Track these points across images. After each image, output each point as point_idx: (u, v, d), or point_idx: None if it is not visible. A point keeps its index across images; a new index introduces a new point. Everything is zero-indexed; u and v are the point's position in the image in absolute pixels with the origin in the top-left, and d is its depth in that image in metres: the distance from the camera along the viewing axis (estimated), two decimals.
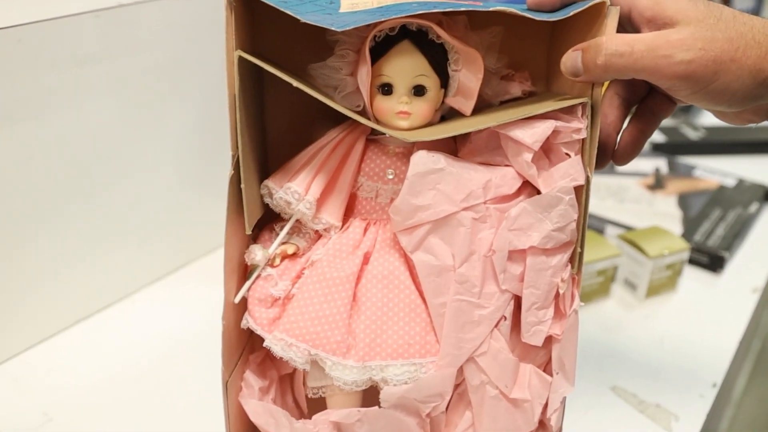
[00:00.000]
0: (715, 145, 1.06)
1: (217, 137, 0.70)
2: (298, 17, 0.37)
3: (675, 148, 1.05)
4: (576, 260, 0.40)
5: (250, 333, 0.47)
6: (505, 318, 0.40)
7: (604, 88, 0.40)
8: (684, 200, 0.89)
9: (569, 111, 0.39)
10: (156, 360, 0.60)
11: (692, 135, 1.08)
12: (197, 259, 0.74)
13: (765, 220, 0.88)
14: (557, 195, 0.38)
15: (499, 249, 0.39)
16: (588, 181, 0.39)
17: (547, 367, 0.42)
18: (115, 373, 0.59)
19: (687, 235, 0.80)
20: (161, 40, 0.62)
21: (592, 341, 0.66)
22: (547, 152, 0.40)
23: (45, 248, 0.59)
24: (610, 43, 0.37)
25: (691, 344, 0.66)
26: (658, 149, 1.04)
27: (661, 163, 0.98)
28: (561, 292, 0.40)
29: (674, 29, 0.36)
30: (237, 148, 0.39)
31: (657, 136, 1.07)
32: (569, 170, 0.38)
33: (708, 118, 1.20)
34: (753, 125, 0.42)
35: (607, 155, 0.43)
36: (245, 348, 0.46)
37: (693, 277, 0.77)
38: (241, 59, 0.38)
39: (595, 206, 0.86)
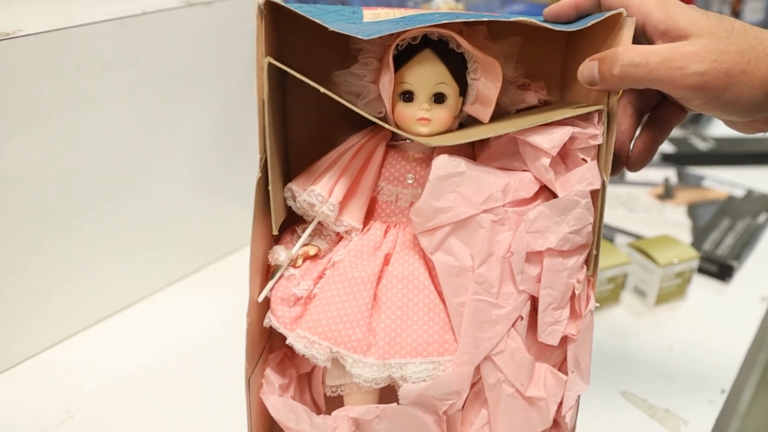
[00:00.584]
0: (724, 155, 1.07)
1: (232, 143, 0.73)
2: (326, 25, 0.39)
3: (684, 158, 1.06)
4: (591, 262, 0.42)
5: (270, 333, 0.49)
6: (522, 318, 0.42)
7: (618, 98, 0.42)
8: (693, 210, 0.91)
9: (586, 118, 0.41)
10: (174, 359, 0.62)
11: (701, 146, 1.10)
12: (213, 263, 0.76)
13: None
14: (574, 199, 0.40)
15: (517, 251, 0.41)
16: (604, 185, 0.41)
17: (562, 367, 0.44)
18: (134, 371, 0.61)
19: (696, 244, 0.82)
20: (180, 46, 0.65)
21: (603, 347, 0.68)
22: (564, 158, 0.41)
23: (67, 250, 0.61)
24: (626, 54, 0.39)
25: (700, 351, 0.68)
26: (667, 159, 1.06)
27: (670, 174, 1.00)
28: (577, 293, 0.41)
29: (688, 41, 0.38)
30: (265, 151, 0.41)
31: (666, 147, 1.09)
32: (586, 175, 0.40)
33: (717, 130, 1.22)
34: (762, 134, 0.43)
35: (621, 162, 0.45)
36: (266, 347, 0.48)
37: (702, 286, 0.78)
38: (269, 65, 0.40)
39: (606, 215, 0.87)
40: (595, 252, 0.42)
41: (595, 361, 0.64)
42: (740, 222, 0.88)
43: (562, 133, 0.40)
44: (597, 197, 0.41)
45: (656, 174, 1.00)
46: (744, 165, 1.07)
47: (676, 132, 1.18)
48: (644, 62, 0.38)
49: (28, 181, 0.56)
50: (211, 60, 0.68)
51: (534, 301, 0.42)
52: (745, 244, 0.83)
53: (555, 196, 0.41)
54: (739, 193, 0.95)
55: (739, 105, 0.39)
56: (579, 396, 0.43)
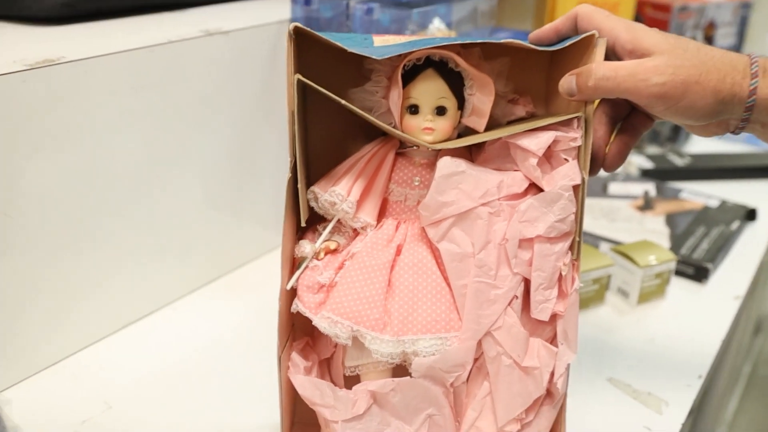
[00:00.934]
0: (699, 170, 1.16)
1: (245, 163, 0.80)
2: (346, 48, 0.47)
3: (663, 173, 1.15)
4: (575, 248, 0.49)
5: (292, 323, 0.55)
6: (517, 297, 0.49)
7: (594, 106, 0.50)
8: (671, 219, 0.98)
9: (567, 124, 0.48)
10: (195, 357, 0.69)
11: (678, 162, 1.18)
12: (227, 274, 0.83)
13: (746, 236, 0.97)
14: (558, 192, 0.47)
15: (511, 238, 0.48)
16: (584, 181, 0.48)
17: (553, 342, 0.51)
18: (162, 368, 0.67)
19: (674, 249, 0.90)
20: (201, 71, 0.72)
21: (591, 341, 0.75)
22: (549, 158, 0.49)
23: (97, 261, 0.67)
24: (599, 69, 0.46)
25: (679, 342, 0.75)
26: (647, 175, 1.14)
27: (650, 187, 1.08)
28: (563, 274, 0.49)
29: (650, 58, 0.46)
30: (294, 155, 0.48)
31: (646, 163, 1.17)
32: (568, 172, 0.48)
33: (692, 147, 1.30)
34: (717, 137, 0.51)
35: (598, 163, 0.52)
36: (291, 333, 0.55)
37: (680, 287, 0.86)
38: (297, 81, 0.47)
39: (590, 225, 0.96)
40: (577, 239, 0.49)
41: (584, 353, 0.72)
42: (715, 229, 0.96)
43: (546, 137, 0.48)
44: (578, 191, 0.48)
45: (637, 188, 1.08)
46: (718, 179, 1.15)
47: (654, 149, 1.26)
48: (614, 75, 0.46)
49: (68, 193, 0.63)
50: (226, 84, 0.75)
51: (527, 283, 0.49)
52: (719, 249, 0.91)
53: (542, 191, 0.49)
54: (714, 203, 1.03)
55: (695, 110, 0.46)
56: (569, 365, 0.50)
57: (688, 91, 0.46)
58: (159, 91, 0.69)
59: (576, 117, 0.48)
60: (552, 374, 0.50)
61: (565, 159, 0.48)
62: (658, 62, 0.46)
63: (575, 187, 0.48)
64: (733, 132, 0.50)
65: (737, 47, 1.54)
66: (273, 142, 0.82)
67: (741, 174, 1.16)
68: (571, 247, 0.49)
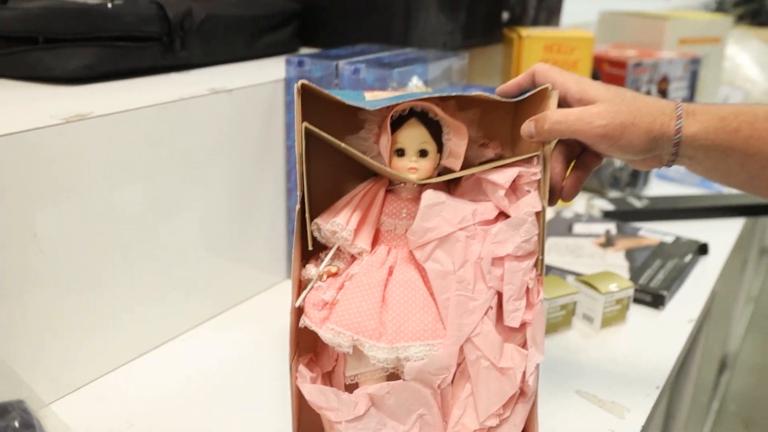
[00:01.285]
0: (656, 211, 1.28)
1: (244, 208, 0.89)
2: (344, 101, 0.57)
3: (623, 215, 1.26)
4: (539, 264, 0.59)
5: (298, 342, 0.64)
6: (492, 308, 0.59)
7: (551, 146, 0.60)
8: (630, 254, 1.09)
9: (528, 161, 0.59)
10: (205, 382, 0.77)
11: (637, 204, 1.30)
12: (230, 308, 0.91)
13: (698, 268, 1.08)
14: (523, 217, 0.57)
15: (485, 257, 0.58)
16: (544, 209, 0.59)
17: (523, 346, 0.60)
18: (175, 391, 0.75)
19: (633, 279, 1.00)
20: (207, 125, 0.82)
21: (560, 360, 0.84)
22: (514, 190, 0.59)
23: (116, 295, 0.76)
24: (552, 115, 0.57)
25: (639, 360, 0.85)
26: (608, 216, 1.26)
27: (611, 227, 1.19)
28: (530, 287, 0.58)
29: (594, 105, 0.57)
30: (303, 190, 0.58)
31: (608, 206, 1.29)
32: (530, 201, 0.58)
33: (650, 191, 1.43)
34: (655, 169, 0.62)
35: (556, 194, 0.63)
36: (298, 347, 0.63)
37: (639, 313, 0.96)
38: (305, 129, 0.57)
39: (557, 261, 1.06)
40: (540, 257, 0.59)
41: (554, 371, 0.81)
42: (670, 262, 1.07)
43: (512, 172, 0.58)
44: (539, 217, 0.59)
45: (599, 227, 1.19)
46: (673, 219, 1.27)
47: (615, 194, 1.38)
48: (565, 120, 0.57)
49: (90, 232, 0.72)
50: (228, 136, 0.85)
51: (499, 295, 0.59)
52: (674, 279, 1.01)
53: (509, 217, 0.59)
54: (669, 239, 1.15)
55: (632, 147, 0.57)
56: (538, 365, 0.59)
57: (626, 132, 0.57)
58: (170, 143, 0.78)
59: (536, 155, 0.59)
60: (524, 374, 0.59)
61: (528, 190, 0.59)
62: (600, 108, 0.57)
63: (537, 214, 0.59)
64: (666, 165, 0.61)
65: (689, 99, 1.69)
66: (268, 190, 0.92)
67: (693, 214, 1.29)
68: (535, 264, 0.59)
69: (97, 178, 0.71)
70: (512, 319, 0.59)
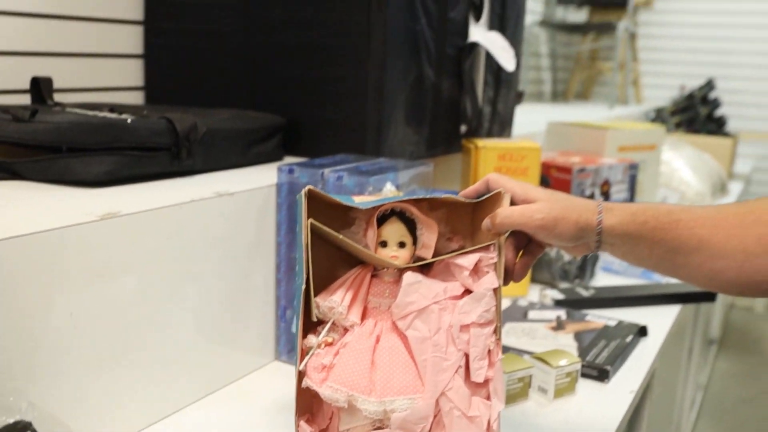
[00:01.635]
0: (601, 300, 1.46)
1: (239, 298, 1.04)
2: (344, 203, 0.75)
3: (572, 303, 1.44)
4: (498, 330, 0.76)
5: (297, 406, 0.78)
6: (461, 366, 0.75)
7: (504, 237, 0.78)
8: (578, 336, 1.26)
9: (487, 248, 0.77)
10: None
11: (585, 293, 1.49)
12: (225, 387, 1.05)
13: (639, 348, 1.26)
14: (483, 292, 0.75)
15: (455, 325, 0.74)
16: (500, 286, 0.76)
17: (487, 398, 0.76)
18: None
19: (582, 356, 1.17)
20: (211, 224, 0.98)
21: (519, 427, 0.99)
22: (476, 271, 0.77)
23: (122, 373, 0.89)
24: (503, 212, 0.76)
25: (588, 425, 1.00)
26: (559, 304, 1.44)
27: (561, 313, 1.37)
28: (491, 349, 0.75)
29: (534, 204, 0.76)
30: (308, 274, 0.74)
31: (558, 295, 1.47)
32: (489, 280, 0.75)
33: (596, 282, 1.62)
34: (589, 254, 0.81)
35: (509, 276, 0.80)
36: (298, 404, 0.78)
37: (587, 386, 1.12)
38: (311, 224, 0.74)
39: (514, 342, 1.23)
40: (498, 324, 0.76)
41: None
42: (613, 342, 1.24)
43: (474, 257, 0.76)
44: (497, 292, 0.76)
45: (551, 314, 1.36)
46: (616, 306, 1.45)
47: (565, 285, 1.57)
48: (512, 215, 0.75)
49: (96, 325, 0.86)
50: (229, 233, 1.01)
51: (466, 356, 0.75)
52: (617, 356, 1.18)
53: (472, 292, 0.76)
54: (613, 323, 1.32)
55: (564, 236, 0.76)
56: (499, 412, 0.75)
57: (558, 224, 0.75)
58: (180, 238, 0.94)
59: (492, 244, 0.77)
60: (489, 421, 0.74)
61: (487, 271, 0.76)
62: (539, 206, 0.76)
63: (495, 290, 0.76)
64: (593, 251, 0.80)
65: (630, 200, 1.92)
66: (260, 281, 1.08)
67: (634, 301, 1.48)
68: (495, 330, 0.76)
69: (119, 269, 0.86)
70: (478, 375, 0.75)
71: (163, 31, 1.41)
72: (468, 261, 0.76)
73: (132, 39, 1.45)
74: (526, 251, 0.83)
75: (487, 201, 0.80)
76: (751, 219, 0.76)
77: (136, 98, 1.47)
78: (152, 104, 1.43)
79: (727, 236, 0.75)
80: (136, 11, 1.44)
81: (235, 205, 1.02)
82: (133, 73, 1.47)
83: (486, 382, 0.75)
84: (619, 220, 0.76)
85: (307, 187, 0.75)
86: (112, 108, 1.15)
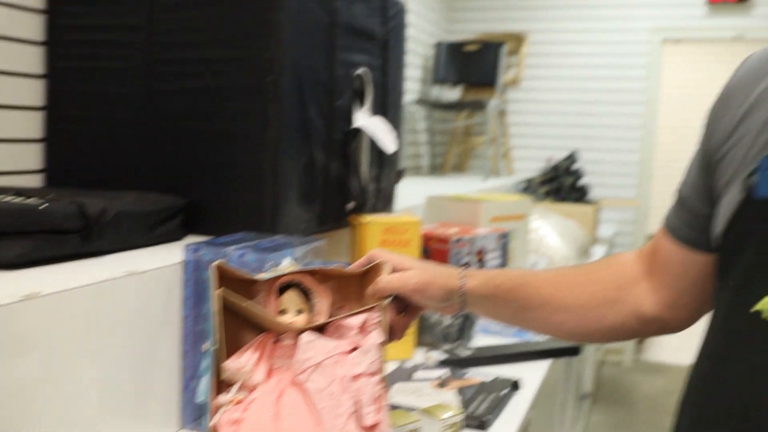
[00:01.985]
0: (480, 358, 1.65)
1: (146, 369, 1.16)
2: (247, 273, 0.90)
3: (454, 362, 1.62)
4: (384, 381, 0.91)
5: None
6: (354, 411, 0.89)
7: (387, 300, 0.95)
8: (461, 391, 1.44)
9: (372, 310, 0.93)
10: None
11: (465, 353, 1.67)
12: None
13: (513, 400, 1.45)
14: (370, 345, 0.90)
15: (347, 375, 0.90)
16: (384, 341, 0.92)
17: None
18: None
19: (464, 408, 1.34)
20: (123, 300, 1.09)
21: None
22: (363, 330, 0.93)
23: None
24: (383, 279, 0.93)
25: None
26: (443, 363, 1.61)
27: (445, 372, 1.54)
28: (378, 396, 0.90)
29: (408, 271, 0.94)
30: (222, 339, 0.88)
31: (441, 356, 1.65)
32: (375, 336, 0.92)
33: (474, 343, 1.81)
34: (460, 314, 0.98)
35: (393, 334, 0.97)
36: None
37: None
38: (222, 295, 0.88)
39: (402, 400, 1.38)
40: (383, 375, 0.91)
41: None
42: (491, 395, 1.42)
43: (361, 318, 0.92)
44: (381, 347, 0.92)
45: (435, 373, 1.53)
46: (493, 364, 1.65)
47: (448, 346, 1.75)
48: (390, 281, 0.93)
49: (46, 405, 0.96)
50: (137, 308, 1.13)
51: (357, 402, 0.90)
52: (495, 407, 1.36)
53: (360, 347, 0.92)
54: (489, 379, 1.51)
55: (434, 299, 0.93)
56: None
57: (428, 287, 0.93)
58: (94, 316, 1.05)
59: (378, 305, 0.93)
60: None
61: (372, 329, 0.92)
62: (413, 273, 0.94)
63: (380, 344, 0.92)
64: (459, 311, 0.97)
65: (503, 266, 2.14)
66: (165, 354, 1.19)
67: (509, 359, 1.67)
68: (381, 380, 0.92)
69: (33, 346, 0.96)
70: (368, 419, 0.90)
71: (67, 118, 1.52)
72: (356, 321, 0.92)
73: (32, 124, 1.55)
74: (406, 313, 1.00)
75: (370, 270, 0.97)
76: (585, 279, 0.97)
77: (35, 181, 1.57)
78: (55, 187, 1.53)
79: (566, 294, 0.95)
80: (36, 97, 1.55)
81: (146, 283, 1.14)
82: (32, 157, 1.57)
83: (375, 425, 0.91)
84: (478, 283, 0.95)
85: (218, 261, 0.90)
86: (19, 191, 1.25)
